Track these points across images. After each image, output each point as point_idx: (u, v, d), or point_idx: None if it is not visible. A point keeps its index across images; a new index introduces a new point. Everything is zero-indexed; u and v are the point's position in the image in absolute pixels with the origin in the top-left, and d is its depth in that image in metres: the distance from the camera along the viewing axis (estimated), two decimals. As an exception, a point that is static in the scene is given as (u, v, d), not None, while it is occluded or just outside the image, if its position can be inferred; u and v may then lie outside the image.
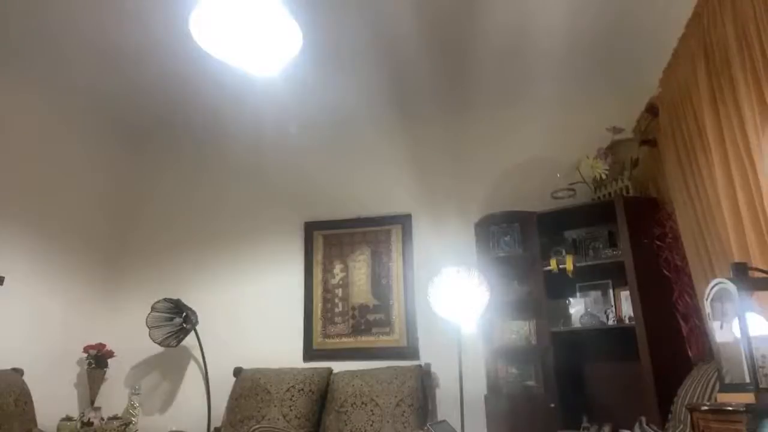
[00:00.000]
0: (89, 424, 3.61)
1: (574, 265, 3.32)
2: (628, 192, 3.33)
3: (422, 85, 3.78)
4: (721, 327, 1.84)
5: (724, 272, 2.01)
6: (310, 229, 4.24)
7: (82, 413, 3.72)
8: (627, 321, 3.23)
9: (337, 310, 4.04)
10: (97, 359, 3.92)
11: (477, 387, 3.42)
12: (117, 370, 4.07)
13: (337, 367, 3.76)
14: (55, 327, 3.75)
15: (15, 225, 3.50)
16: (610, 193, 3.41)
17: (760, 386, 1.62)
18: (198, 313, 3.96)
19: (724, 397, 1.80)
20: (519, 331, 3.56)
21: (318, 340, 4.00)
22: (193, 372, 4.11)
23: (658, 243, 3.14)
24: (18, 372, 3.27)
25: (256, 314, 4.11)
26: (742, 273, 1.75)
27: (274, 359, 3.85)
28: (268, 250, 4.27)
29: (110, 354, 3.99)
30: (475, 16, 3.07)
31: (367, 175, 4.25)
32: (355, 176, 4.27)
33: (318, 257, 4.18)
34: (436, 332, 3.67)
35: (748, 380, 1.65)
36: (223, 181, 4.53)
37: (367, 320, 3.97)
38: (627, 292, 3.20)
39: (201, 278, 4.27)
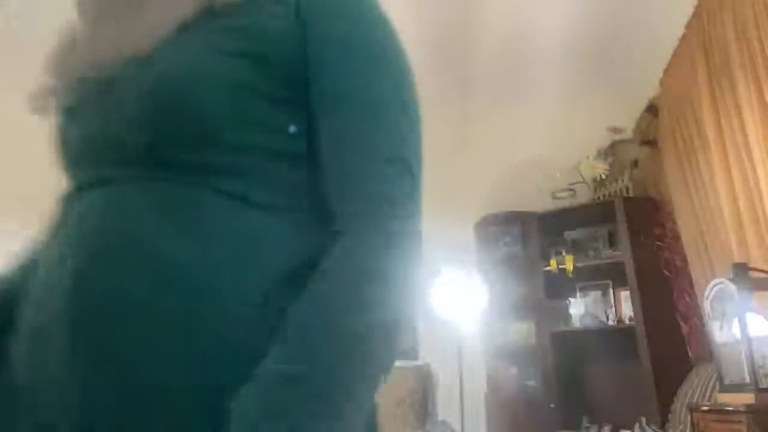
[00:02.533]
0: (89, 424, 3.60)
1: (574, 266, 3.32)
2: (628, 192, 3.33)
3: (422, 84, 3.76)
4: (721, 327, 1.84)
5: (724, 272, 2.01)
6: (310, 229, 4.24)
7: (82, 413, 3.72)
8: (627, 321, 3.22)
9: (337, 310, 4.04)
10: (97, 359, 3.91)
11: (477, 387, 3.41)
12: (117, 370, 4.06)
13: (337, 367, 3.76)
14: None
15: (15, 224, 3.50)
16: (610, 194, 3.40)
17: (760, 386, 1.62)
18: (198, 313, 3.96)
19: (724, 398, 1.80)
20: (519, 331, 3.56)
21: (318, 340, 3.99)
22: (193, 372, 4.11)
23: (658, 243, 3.14)
24: (18, 372, 3.26)
25: (256, 314, 4.10)
26: (742, 273, 1.75)
27: (274, 359, 3.84)
28: (268, 250, 4.27)
29: (110, 354, 3.98)
30: (476, 16, 3.07)
31: (367, 175, 4.24)
32: (355, 176, 4.26)
33: (318, 257, 4.17)
34: (436, 332, 3.66)
35: (748, 380, 1.65)
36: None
37: (367, 320, 3.96)
38: (627, 293, 3.19)
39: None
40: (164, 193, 0.52)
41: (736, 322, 1.71)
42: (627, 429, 2.75)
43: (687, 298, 2.91)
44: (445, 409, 3.54)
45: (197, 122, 0.53)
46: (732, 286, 1.73)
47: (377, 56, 0.59)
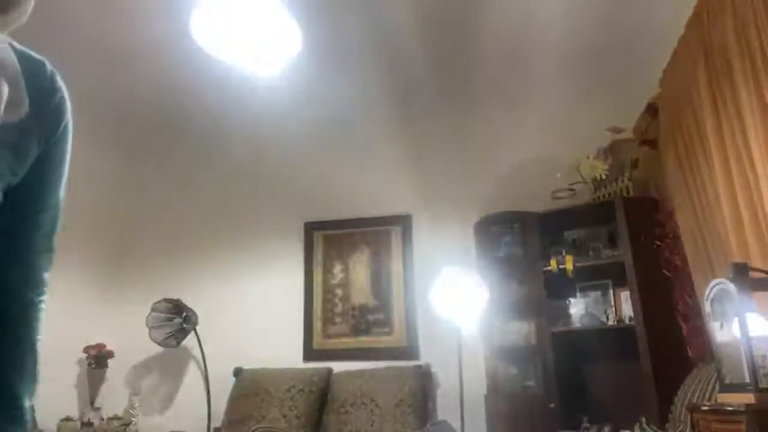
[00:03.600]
0: (89, 424, 3.61)
1: (574, 266, 3.32)
2: (628, 192, 3.33)
3: (423, 85, 3.77)
4: (721, 327, 1.84)
5: (724, 272, 2.01)
6: (310, 229, 4.24)
7: (82, 413, 3.72)
8: (627, 321, 3.22)
9: (337, 310, 4.04)
10: (97, 359, 3.92)
11: (477, 387, 3.42)
12: (117, 370, 4.07)
13: (338, 367, 3.76)
14: (54, 327, 3.74)
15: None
16: (610, 193, 3.40)
17: (760, 386, 1.62)
18: (198, 314, 3.96)
19: (724, 398, 1.80)
20: (519, 331, 3.56)
21: (318, 340, 4.00)
22: (193, 372, 4.11)
23: (658, 243, 3.14)
24: (18, 372, 3.26)
25: (257, 314, 4.10)
26: (742, 273, 1.75)
27: (274, 359, 3.85)
28: (268, 250, 4.27)
29: (110, 354, 3.98)
30: (476, 17, 3.07)
31: (367, 175, 4.25)
32: (355, 176, 4.26)
33: (318, 257, 4.17)
34: (436, 332, 3.67)
35: (748, 380, 1.65)
36: (223, 181, 4.53)
37: (367, 320, 3.97)
38: (627, 293, 3.19)
39: (201, 278, 4.27)
40: None
41: (736, 322, 1.71)
42: (627, 429, 2.75)
43: (687, 298, 2.91)
44: (445, 409, 3.54)
45: None
46: (732, 286, 1.73)
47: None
